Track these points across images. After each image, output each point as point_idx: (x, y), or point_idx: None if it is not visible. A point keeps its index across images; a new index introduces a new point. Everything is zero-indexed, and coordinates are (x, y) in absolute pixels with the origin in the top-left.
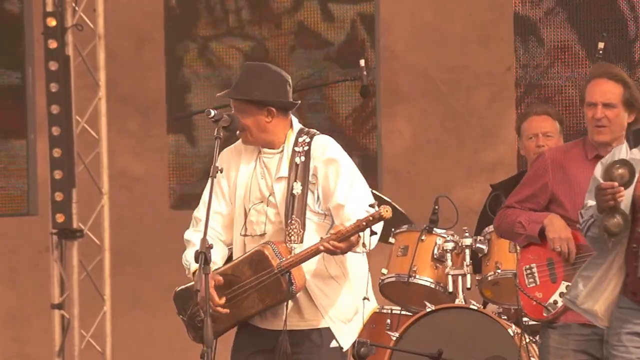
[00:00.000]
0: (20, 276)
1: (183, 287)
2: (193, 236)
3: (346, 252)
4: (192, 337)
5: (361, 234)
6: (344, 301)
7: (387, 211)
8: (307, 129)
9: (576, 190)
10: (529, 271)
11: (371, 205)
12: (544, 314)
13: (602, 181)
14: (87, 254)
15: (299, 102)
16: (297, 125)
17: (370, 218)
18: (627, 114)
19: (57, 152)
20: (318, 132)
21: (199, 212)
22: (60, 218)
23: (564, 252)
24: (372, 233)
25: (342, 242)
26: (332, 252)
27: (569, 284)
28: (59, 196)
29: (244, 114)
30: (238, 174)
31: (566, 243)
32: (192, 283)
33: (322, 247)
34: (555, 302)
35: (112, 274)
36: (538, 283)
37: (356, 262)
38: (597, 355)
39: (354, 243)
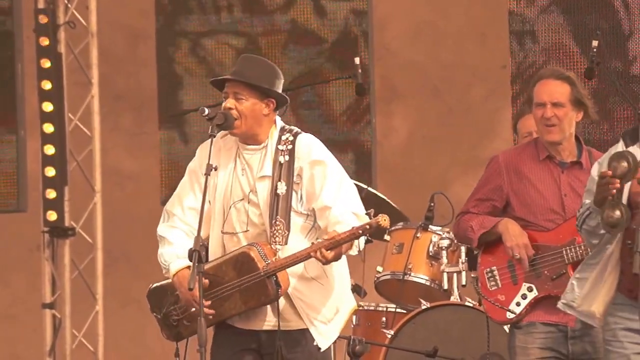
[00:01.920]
0: (11, 275)
1: (157, 284)
2: (167, 232)
3: (333, 262)
4: (166, 336)
5: (355, 241)
6: (323, 302)
7: (385, 220)
8: (289, 126)
9: (530, 192)
10: (490, 274)
11: (367, 214)
12: (507, 317)
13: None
14: (79, 252)
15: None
16: (279, 122)
17: (367, 227)
18: (575, 112)
19: (49, 150)
20: (300, 131)
21: (174, 207)
22: (52, 216)
23: (522, 260)
24: (367, 241)
25: (332, 250)
26: (320, 261)
27: (530, 284)
28: (51, 194)
29: (243, 101)
30: (218, 170)
31: (524, 250)
32: (168, 281)
33: (312, 254)
34: (518, 303)
35: (104, 272)
36: (500, 286)
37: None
38: (562, 351)
39: (342, 252)
